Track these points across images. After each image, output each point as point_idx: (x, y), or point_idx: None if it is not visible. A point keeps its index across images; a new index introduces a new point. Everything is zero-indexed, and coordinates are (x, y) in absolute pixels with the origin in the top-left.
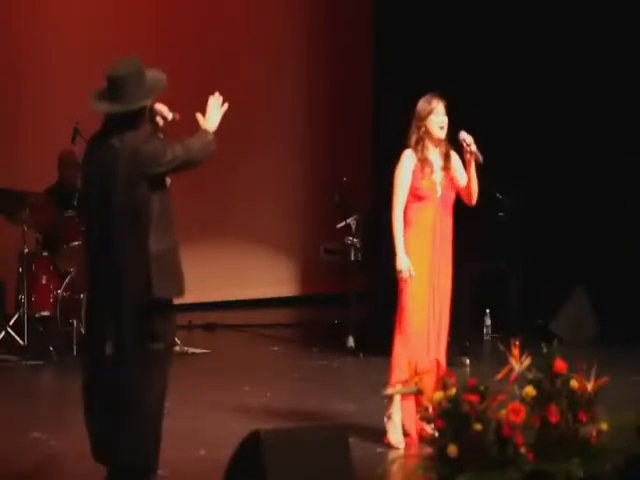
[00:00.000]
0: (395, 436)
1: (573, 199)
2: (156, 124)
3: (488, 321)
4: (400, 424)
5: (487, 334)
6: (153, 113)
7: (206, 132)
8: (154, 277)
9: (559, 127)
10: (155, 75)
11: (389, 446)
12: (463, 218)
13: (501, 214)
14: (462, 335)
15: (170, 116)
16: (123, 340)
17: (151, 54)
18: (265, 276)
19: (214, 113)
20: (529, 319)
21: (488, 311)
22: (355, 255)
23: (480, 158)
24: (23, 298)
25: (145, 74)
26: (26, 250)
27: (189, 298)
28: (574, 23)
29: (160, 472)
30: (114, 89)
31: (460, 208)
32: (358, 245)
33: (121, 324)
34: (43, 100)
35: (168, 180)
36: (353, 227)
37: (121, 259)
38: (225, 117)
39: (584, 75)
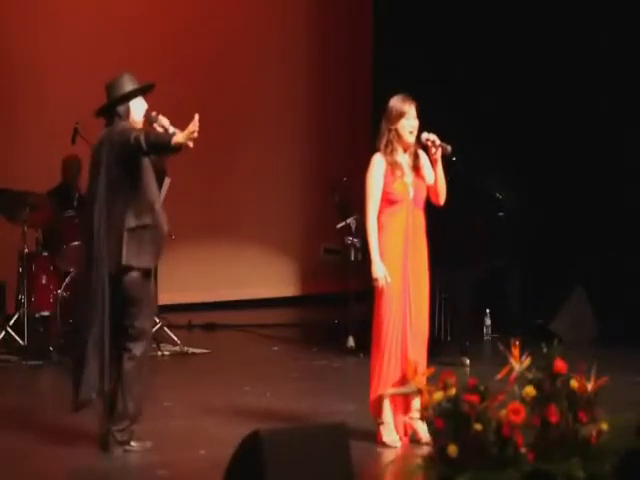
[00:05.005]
0: (390, 435)
1: (573, 199)
2: (153, 129)
3: (488, 321)
4: (393, 424)
5: (487, 334)
6: (152, 119)
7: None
8: (125, 248)
9: (559, 127)
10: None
11: (385, 446)
12: (463, 218)
13: (501, 214)
14: (462, 335)
15: (171, 130)
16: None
17: (152, 48)
18: (265, 276)
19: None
20: (529, 319)
21: (488, 311)
22: (355, 255)
23: (448, 149)
24: (23, 298)
25: (127, 80)
26: (26, 250)
27: (189, 298)
28: (572, 23)
29: (160, 472)
30: (107, 96)
31: (460, 209)
32: (358, 245)
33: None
34: (43, 100)
35: (167, 180)
36: (353, 227)
37: (99, 235)
38: (225, 118)
39: (584, 75)
